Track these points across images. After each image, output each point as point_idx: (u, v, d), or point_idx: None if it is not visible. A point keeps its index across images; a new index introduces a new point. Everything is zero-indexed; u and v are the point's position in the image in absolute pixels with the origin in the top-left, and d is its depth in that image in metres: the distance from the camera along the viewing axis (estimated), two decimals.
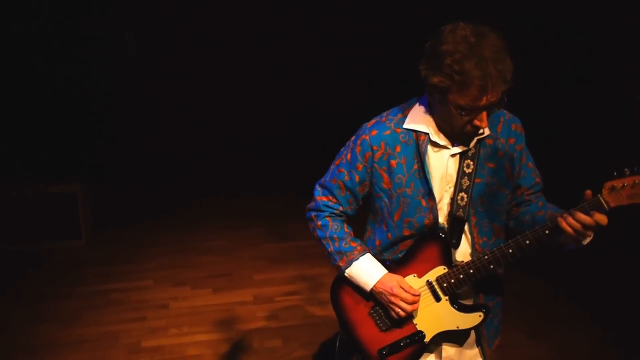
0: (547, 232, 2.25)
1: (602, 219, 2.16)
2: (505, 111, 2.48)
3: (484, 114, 2.20)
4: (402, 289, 2.39)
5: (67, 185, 6.09)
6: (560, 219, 2.20)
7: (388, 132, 2.40)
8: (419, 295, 2.41)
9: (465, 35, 2.13)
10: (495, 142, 2.42)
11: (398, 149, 2.39)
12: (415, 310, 2.42)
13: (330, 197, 2.53)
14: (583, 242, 2.27)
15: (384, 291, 2.42)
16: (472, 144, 2.37)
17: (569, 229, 2.19)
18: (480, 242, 2.44)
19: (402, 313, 2.40)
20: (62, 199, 6.06)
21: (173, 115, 8.33)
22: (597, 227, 2.18)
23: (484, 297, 2.52)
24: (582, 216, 2.17)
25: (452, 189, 2.40)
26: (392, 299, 2.40)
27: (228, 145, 8.46)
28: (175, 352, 4.46)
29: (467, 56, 2.10)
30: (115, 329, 4.74)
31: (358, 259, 2.47)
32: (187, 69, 8.21)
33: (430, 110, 2.37)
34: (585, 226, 2.17)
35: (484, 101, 2.14)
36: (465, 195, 2.39)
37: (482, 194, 2.41)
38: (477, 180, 2.40)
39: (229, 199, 7.42)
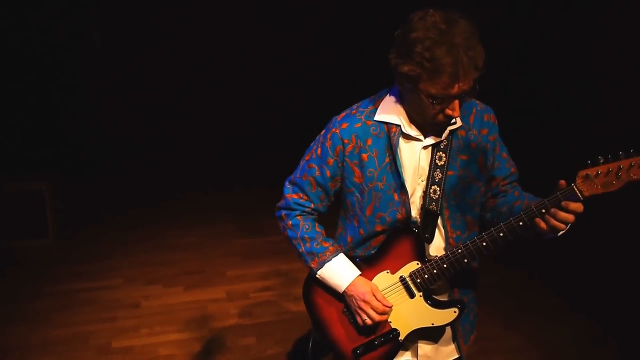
0: (520, 223, 2.20)
1: (577, 207, 2.13)
2: (477, 102, 2.43)
3: (456, 102, 2.14)
4: (375, 297, 2.34)
5: (34, 182, 5.93)
6: (537, 220, 2.16)
7: (359, 124, 2.33)
8: (390, 307, 2.35)
9: (435, 22, 2.07)
10: (468, 134, 2.37)
11: (369, 141, 2.32)
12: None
13: (301, 194, 2.45)
14: (559, 232, 2.24)
15: (355, 295, 2.36)
16: (444, 135, 2.31)
17: (543, 226, 2.16)
18: (454, 235, 2.39)
19: (368, 321, 2.35)
20: (29, 196, 5.90)
21: (143, 110, 8.17)
22: (574, 218, 2.15)
23: (458, 291, 2.47)
24: (560, 214, 2.14)
25: (424, 182, 2.34)
26: (362, 305, 2.34)
27: (198, 140, 8.34)
28: (146, 353, 4.37)
29: (438, 43, 2.04)
30: (85, 330, 4.63)
31: (330, 260, 2.40)
32: (157, 62, 8.07)
33: (401, 101, 2.31)
34: (562, 222, 2.14)
35: (455, 89, 2.09)
36: (438, 189, 2.33)
37: (454, 186, 2.36)
38: (449, 173, 2.34)
39: (200, 195, 7.29)
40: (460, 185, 2.37)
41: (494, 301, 4.73)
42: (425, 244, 2.36)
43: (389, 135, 2.31)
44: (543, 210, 2.16)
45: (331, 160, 2.36)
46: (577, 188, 2.12)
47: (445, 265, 2.30)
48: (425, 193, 2.34)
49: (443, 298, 2.44)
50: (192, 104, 8.33)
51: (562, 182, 2.15)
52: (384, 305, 2.33)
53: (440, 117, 2.19)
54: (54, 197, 6.12)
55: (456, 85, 2.08)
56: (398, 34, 2.15)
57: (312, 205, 2.45)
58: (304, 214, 2.46)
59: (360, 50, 8.23)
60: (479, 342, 2.78)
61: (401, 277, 2.36)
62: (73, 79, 7.75)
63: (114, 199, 7.19)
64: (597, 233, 5.39)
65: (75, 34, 7.61)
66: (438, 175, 2.33)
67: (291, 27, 8.33)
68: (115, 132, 8.11)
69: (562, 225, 2.16)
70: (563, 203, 2.13)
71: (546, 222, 2.16)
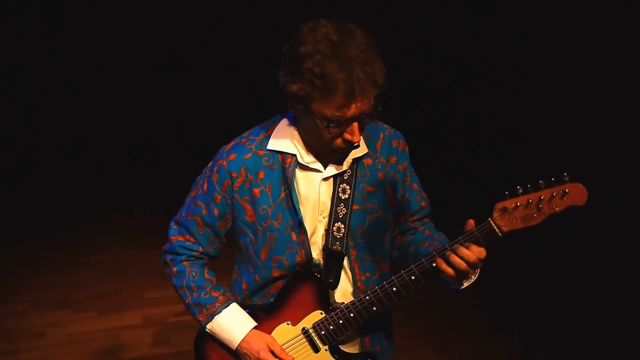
0: (434, 265, 1.93)
1: (480, 251, 1.87)
2: (385, 126, 2.15)
3: (355, 125, 1.86)
4: (272, 352, 2.03)
5: None
6: (439, 259, 1.89)
7: (249, 155, 2.02)
8: None
9: (327, 34, 1.79)
10: (375, 162, 2.09)
11: (261, 174, 2.02)
12: None
13: (188, 236, 2.13)
14: (464, 283, 1.98)
15: (249, 353, 2.05)
16: (346, 165, 2.02)
17: (449, 270, 1.90)
18: (363, 278, 2.10)
19: None
20: None
21: (61, 118, 7.66)
22: (478, 263, 1.89)
23: (370, 340, 2.17)
24: (465, 252, 1.87)
25: (326, 219, 2.05)
26: None
27: (119, 149, 7.89)
28: None
29: (329, 57, 1.76)
30: None
31: (220, 312, 2.09)
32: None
33: (296, 126, 2.02)
34: (469, 263, 1.88)
35: (352, 109, 1.81)
36: (343, 226, 2.04)
37: (361, 222, 2.07)
38: (355, 207, 2.05)
39: (119, 209, 6.84)
40: (368, 220, 2.08)
41: (425, 321, 4.50)
42: (330, 290, 2.07)
43: (284, 166, 2.01)
44: (451, 253, 1.90)
45: (219, 197, 2.05)
46: (494, 223, 1.86)
47: (352, 315, 2.01)
48: (328, 231, 2.04)
49: (352, 349, 2.15)
50: (109, 112, 7.86)
51: (471, 221, 1.90)
52: None
53: (339, 142, 1.90)
54: None
55: (353, 105, 1.80)
56: (287, 48, 1.86)
57: (200, 249, 2.13)
58: (191, 258, 2.14)
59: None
60: None
61: (304, 329, 2.06)
62: None
63: (24, 212, 6.71)
64: (534, 253, 5.25)
65: None
66: (342, 210, 2.04)
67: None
68: (32, 140, 7.59)
69: (464, 266, 1.87)
70: (467, 244, 1.88)
71: (453, 265, 1.89)
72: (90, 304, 4.95)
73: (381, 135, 2.12)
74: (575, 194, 1.82)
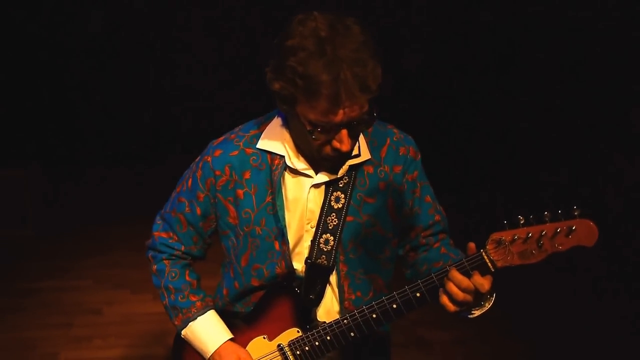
0: (418, 295, 1.71)
1: (482, 283, 1.63)
2: (394, 130, 1.93)
3: (344, 132, 1.66)
4: None
5: (14, 169, 5.69)
6: (440, 291, 1.67)
7: (235, 152, 1.86)
8: None
9: (315, 28, 1.59)
10: (377, 171, 1.87)
11: (247, 175, 1.85)
12: None
13: (171, 234, 2.00)
14: (474, 312, 1.73)
15: None
16: (341, 172, 1.82)
17: (445, 300, 1.66)
18: (353, 297, 1.90)
19: None
20: (9, 184, 5.64)
21: (139, 96, 7.75)
22: (476, 294, 1.65)
23: None
24: (459, 277, 1.64)
25: (313, 229, 1.86)
26: None
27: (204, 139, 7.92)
28: None
29: (314, 55, 1.57)
30: (35, 336, 4.31)
31: (195, 318, 1.95)
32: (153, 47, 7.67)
33: (288, 128, 1.83)
34: (465, 292, 1.64)
35: (339, 116, 1.61)
36: (332, 238, 1.85)
37: (355, 236, 1.87)
38: (349, 219, 1.85)
39: None
40: (364, 234, 1.87)
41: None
42: (312, 307, 1.88)
43: (271, 168, 1.83)
44: (445, 279, 1.66)
45: (202, 195, 1.90)
46: (487, 256, 1.61)
47: (328, 338, 1.82)
48: (313, 243, 1.86)
49: None
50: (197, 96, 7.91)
51: (472, 245, 1.65)
52: None
53: (328, 150, 1.71)
54: (37, 185, 5.86)
55: (340, 111, 1.60)
56: (276, 41, 1.68)
57: (182, 248, 2.00)
58: (173, 257, 2.01)
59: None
60: None
61: (279, 345, 1.89)
62: (67, 66, 7.43)
63: (104, 189, 6.87)
64: None
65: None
66: (333, 221, 1.85)
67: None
68: (112, 124, 7.76)
69: (468, 297, 1.65)
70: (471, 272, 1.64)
71: (449, 294, 1.66)
72: (148, 286, 4.85)
73: (388, 141, 1.90)
74: (583, 232, 1.54)
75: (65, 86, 7.46)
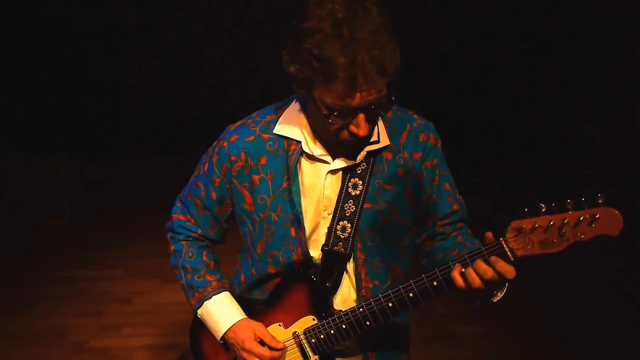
0: (435, 284, 1.66)
1: (507, 270, 1.58)
2: (415, 116, 1.89)
3: (361, 117, 1.62)
4: (257, 342, 1.84)
5: (50, 160, 5.76)
6: (453, 272, 1.62)
7: (251, 138, 1.84)
8: (281, 350, 1.85)
9: (332, 10, 1.55)
10: (396, 157, 1.83)
11: (263, 160, 1.82)
12: None
13: (189, 216, 2.00)
14: (492, 299, 1.69)
15: (235, 343, 1.88)
16: (359, 158, 1.78)
17: (461, 283, 1.61)
18: (370, 286, 1.86)
19: None
20: (46, 174, 5.72)
21: (175, 86, 7.80)
22: (501, 281, 1.60)
23: (376, 357, 1.93)
24: (483, 266, 1.59)
25: (330, 216, 1.82)
26: (245, 355, 1.85)
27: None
28: (120, 356, 4.05)
29: (331, 37, 1.53)
30: (66, 324, 4.38)
31: (210, 297, 1.94)
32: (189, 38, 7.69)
33: (305, 112, 1.80)
34: (485, 281, 1.59)
35: (357, 99, 1.57)
36: (349, 225, 1.81)
37: (373, 224, 1.83)
38: (366, 206, 1.81)
39: None
40: (381, 222, 1.83)
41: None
42: (329, 295, 1.85)
43: (288, 153, 1.81)
44: (462, 269, 1.62)
45: (217, 180, 1.89)
46: (507, 245, 1.56)
47: (344, 326, 1.79)
48: (330, 230, 1.82)
49: None
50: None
51: (490, 234, 1.60)
52: (271, 349, 1.83)
53: (345, 135, 1.67)
54: (74, 175, 5.94)
55: (357, 95, 1.56)
56: (292, 23, 1.64)
57: (199, 231, 1.99)
58: (190, 239, 2.01)
59: None
60: None
61: (295, 333, 1.86)
62: (103, 57, 7.50)
63: (140, 180, 6.93)
64: None
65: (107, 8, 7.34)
66: (350, 207, 1.81)
67: None
68: (148, 114, 7.81)
69: (480, 284, 1.60)
70: (492, 258, 1.59)
71: (466, 281, 1.62)
72: None
73: (408, 127, 1.85)
74: (607, 221, 1.48)
75: (102, 76, 7.53)
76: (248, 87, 7.77)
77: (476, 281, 1.60)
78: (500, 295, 1.69)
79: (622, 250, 4.63)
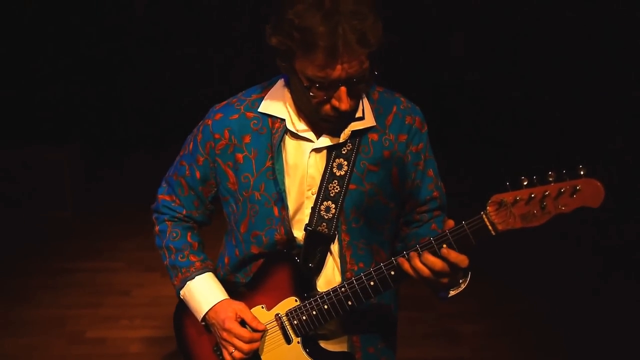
0: (392, 273, 1.65)
1: (460, 260, 1.57)
2: (402, 99, 1.87)
3: (343, 90, 1.60)
4: (237, 322, 1.82)
5: (54, 151, 5.77)
6: (401, 259, 1.60)
7: (235, 116, 1.82)
8: (261, 331, 1.83)
9: None
10: (382, 139, 1.81)
11: (247, 139, 1.81)
12: (259, 350, 1.85)
13: (173, 197, 1.99)
14: (450, 292, 1.68)
15: (216, 324, 1.86)
16: (343, 137, 1.76)
17: (411, 273, 1.61)
18: (355, 268, 1.84)
19: (236, 354, 1.82)
20: (49, 165, 5.73)
21: (181, 79, 7.78)
22: (453, 271, 1.58)
23: (360, 340, 1.90)
24: (430, 258, 1.59)
25: (314, 196, 1.80)
26: (225, 335, 1.82)
27: None
28: (116, 347, 4.04)
29: (312, 8, 1.52)
30: (65, 314, 4.37)
31: (193, 278, 1.92)
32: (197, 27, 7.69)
33: (289, 88, 1.79)
34: (435, 272, 1.58)
35: (337, 70, 1.55)
36: (333, 206, 1.79)
37: (357, 205, 1.81)
38: (351, 187, 1.79)
39: None
40: (366, 203, 1.81)
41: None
42: (312, 276, 1.83)
43: (272, 131, 1.79)
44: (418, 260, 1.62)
45: (201, 159, 1.88)
46: (488, 219, 1.53)
47: (325, 307, 1.76)
48: (314, 210, 1.80)
49: (337, 347, 1.89)
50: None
51: (451, 221, 1.60)
52: (252, 330, 1.82)
53: (327, 109, 1.65)
54: (78, 168, 5.97)
55: (338, 66, 1.55)
56: None
57: (184, 212, 1.98)
58: (175, 219, 2.00)
59: None
60: None
61: (277, 315, 1.84)
62: (112, 49, 7.51)
63: (144, 172, 6.92)
64: None
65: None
66: (334, 188, 1.79)
67: None
68: (151, 107, 7.81)
69: (427, 272, 1.60)
70: (443, 251, 1.57)
71: (416, 270, 1.62)
72: None
73: (394, 109, 1.83)
74: (588, 192, 1.45)
75: (107, 68, 7.55)
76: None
77: (424, 272, 1.59)
78: (459, 290, 1.68)
79: (623, 250, 4.58)
